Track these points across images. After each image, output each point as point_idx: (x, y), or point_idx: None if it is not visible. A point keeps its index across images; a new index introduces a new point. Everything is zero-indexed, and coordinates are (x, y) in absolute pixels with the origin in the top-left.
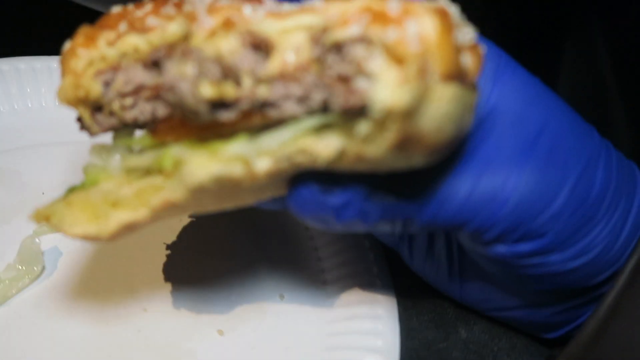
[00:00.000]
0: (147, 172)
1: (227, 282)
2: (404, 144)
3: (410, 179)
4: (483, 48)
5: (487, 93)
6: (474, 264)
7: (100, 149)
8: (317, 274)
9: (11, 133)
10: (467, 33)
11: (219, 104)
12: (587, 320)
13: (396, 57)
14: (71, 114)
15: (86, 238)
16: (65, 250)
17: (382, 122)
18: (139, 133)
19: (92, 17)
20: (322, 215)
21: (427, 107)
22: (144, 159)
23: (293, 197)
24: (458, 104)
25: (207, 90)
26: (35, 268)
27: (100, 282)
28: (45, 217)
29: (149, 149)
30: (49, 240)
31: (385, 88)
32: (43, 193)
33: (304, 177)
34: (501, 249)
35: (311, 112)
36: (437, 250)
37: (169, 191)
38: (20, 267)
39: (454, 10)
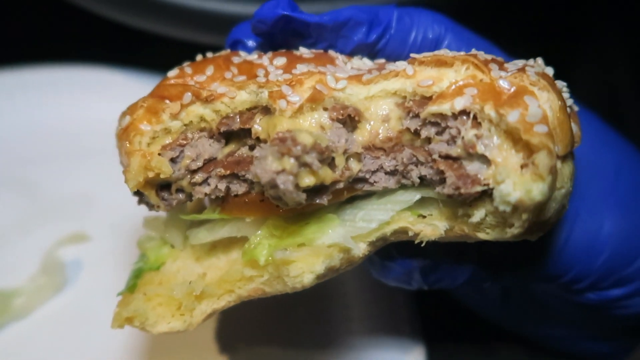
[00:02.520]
0: (213, 246)
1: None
2: (529, 231)
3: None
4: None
5: None
6: (537, 301)
7: (155, 222)
8: (342, 309)
9: (31, 143)
10: (569, 98)
11: (313, 189)
12: None
13: (516, 140)
14: (90, 126)
15: (171, 333)
16: (86, 262)
17: (506, 214)
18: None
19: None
20: (406, 280)
21: (555, 192)
22: (213, 235)
23: (379, 269)
24: (573, 177)
25: (310, 180)
26: (57, 280)
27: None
28: (127, 321)
29: (218, 223)
30: (70, 253)
31: (516, 182)
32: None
33: (389, 250)
34: (591, 296)
35: (405, 186)
36: (489, 286)
37: (264, 285)
38: (43, 279)
39: (551, 73)
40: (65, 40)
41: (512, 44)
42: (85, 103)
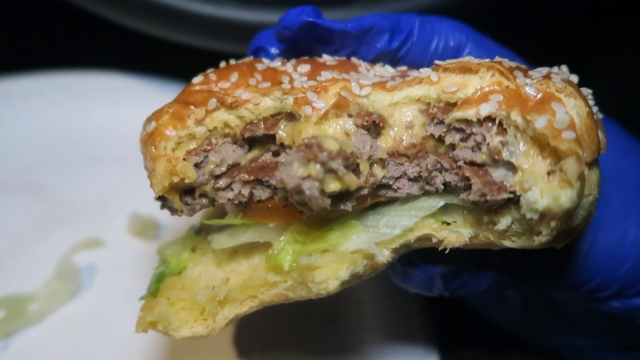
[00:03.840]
0: (234, 251)
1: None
2: (557, 238)
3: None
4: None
5: None
6: (558, 310)
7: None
8: (356, 318)
9: (48, 149)
10: (594, 106)
11: (337, 195)
12: None
13: (542, 147)
14: (106, 132)
15: (194, 337)
16: (101, 267)
17: (533, 221)
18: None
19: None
20: (428, 287)
21: (582, 199)
22: (235, 240)
23: (400, 275)
24: (599, 184)
25: (335, 186)
26: (72, 285)
27: (136, 299)
28: (151, 325)
29: (240, 228)
30: (85, 258)
31: (543, 189)
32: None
33: (411, 256)
34: (615, 304)
35: (428, 192)
36: (510, 295)
37: (287, 291)
38: (58, 284)
39: (576, 80)
40: (82, 47)
41: (524, 52)
42: (101, 109)
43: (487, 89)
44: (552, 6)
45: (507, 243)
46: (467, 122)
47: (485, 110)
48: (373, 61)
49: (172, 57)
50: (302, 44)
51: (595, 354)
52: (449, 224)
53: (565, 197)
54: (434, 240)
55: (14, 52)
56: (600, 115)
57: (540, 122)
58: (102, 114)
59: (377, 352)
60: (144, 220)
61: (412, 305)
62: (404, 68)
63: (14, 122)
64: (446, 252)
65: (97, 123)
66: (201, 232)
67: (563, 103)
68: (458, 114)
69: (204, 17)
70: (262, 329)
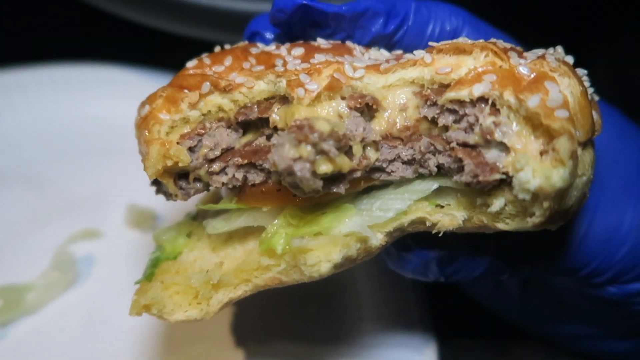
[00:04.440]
0: (230, 236)
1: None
2: (550, 220)
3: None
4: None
5: None
6: (556, 297)
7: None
8: (354, 308)
9: (45, 141)
10: (589, 87)
11: (330, 178)
12: None
13: (535, 126)
14: (103, 124)
15: (188, 321)
16: (98, 258)
17: (526, 202)
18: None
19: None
20: (423, 271)
21: (576, 179)
22: (230, 225)
23: (395, 260)
24: (593, 164)
25: (327, 168)
26: (69, 275)
27: (132, 290)
28: (145, 308)
29: (234, 213)
30: (83, 249)
31: (536, 168)
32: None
33: (406, 241)
34: (612, 290)
35: (422, 175)
36: (508, 282)
37: (281, 274)
38: (54, 275)
39: (572, 61)
40: (80, 40)
41: (524, 40)
42: (99, 101)
43: (480, 70)
44: None
45: (501, 225)
46: (460, 103)
47: (478, 90)
48: (368, 45)
49: (169, 49)
50: (297, 29)
51: (593, 342)
52: (442, 206)
53: (557, 177)
54: (427, 224)
55: (12, 44)
56: (597, 97)
57: (532, 101)
58: (100, 107)
59: (375, 341)
60: (142, 212)
61: (410, 295)
62: (399, 52)
63: (12, 114)
64: (440, 235)
65: (94, 115)
66: (197, 218)
67: (557, 82)
68: (451, 94)
69: (202, 7)
70: (259, 318)
